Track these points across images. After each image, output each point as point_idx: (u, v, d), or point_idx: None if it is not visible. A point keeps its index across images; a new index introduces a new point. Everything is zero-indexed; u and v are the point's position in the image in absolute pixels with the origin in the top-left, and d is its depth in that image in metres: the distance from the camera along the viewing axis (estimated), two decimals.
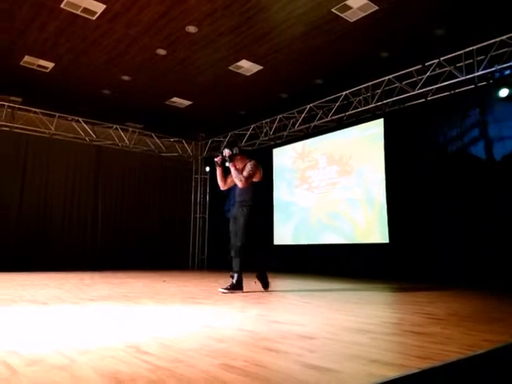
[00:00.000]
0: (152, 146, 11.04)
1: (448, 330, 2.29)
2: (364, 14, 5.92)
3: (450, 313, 3.03)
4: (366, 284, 5.73)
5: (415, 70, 7.12)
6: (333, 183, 8.76)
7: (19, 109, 8.98)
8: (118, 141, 10.42)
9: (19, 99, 8.87)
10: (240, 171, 4.38)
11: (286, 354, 1.74)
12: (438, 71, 6.89)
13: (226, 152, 4.35)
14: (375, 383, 1.27)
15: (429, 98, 7.19)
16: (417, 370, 1.41)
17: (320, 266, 8.42)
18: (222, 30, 6.29)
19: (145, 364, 1.54)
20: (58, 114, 9.37)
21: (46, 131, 9.39)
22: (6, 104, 8.74)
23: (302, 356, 1.68)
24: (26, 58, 7.13)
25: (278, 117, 9.48)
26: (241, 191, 4.37)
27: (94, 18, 5.92)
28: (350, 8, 5.80)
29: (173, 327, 2.37)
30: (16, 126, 8.99)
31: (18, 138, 9.14)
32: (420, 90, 7.10)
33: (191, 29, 6.23)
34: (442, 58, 6.74)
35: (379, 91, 7.65)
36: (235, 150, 4.38)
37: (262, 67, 7.47)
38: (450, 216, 6.66)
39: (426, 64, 6.93)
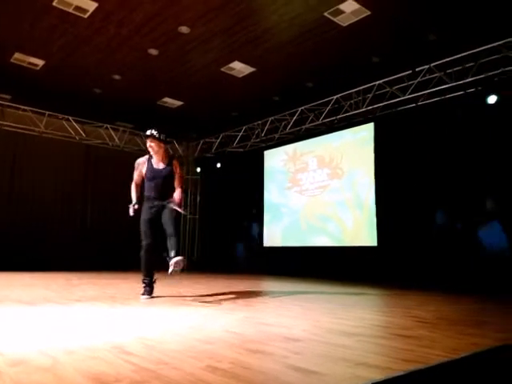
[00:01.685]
0: (143, 146, 10.94)
1: (435, 334, 2.30)
2: (356, 19, 5.96)
3: (438, 316, 3.05)
4: (355, 287, 5.75)
5: (406, 76, 7.19)
6: (323, 186, 8.79)
7: (9, 106, 8.89)
8: (108, 140, 10.35)
9: (9, 96, 8.77)
10: (165, 162, 4.18)
11: (272, 355, 1.74)
12: (428, 77, 6.97)
13: (154, 132, 4.10)
14: None
15: (419, 103, 7.26)
16: (401, 373, 1.42)
17: (309, 268, 8.45)
18: (214, 31, 6.28)
19: (129, 365, 1.53)
20: (48, 113, 9.28)
21: (36, 129, 9.29)
22: None
23: (287, 358, 1.68)
24: (16, 55, 7.05)
25: (270, 119, 9.50)
26: (167, 189, 4.14)
27: (86, 16, 5.88)
28: (342, 12, 5.83)
29: (159, 328, 2.36)
30: (5, 123, 8.89)
31: (8, 135, 9.03)
32: (411, 95, 7.17)
33: (184, 29, 6.22)
34: (432, 64, 6.81)
35: (370, 95, 7.70)
36: (162, 137, 4.15)
37: (254, 69, 7.48)
38: (438, 219, 6.72)
39: (417, 69, 6.99)
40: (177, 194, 4.08)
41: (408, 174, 7.24)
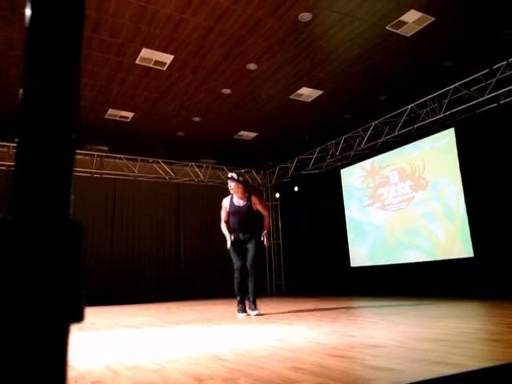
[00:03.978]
0: (224, 179, 11.59)
1: None
2: (421, 27, 5.91)
3: None
4: (449, 300, 5.47)
5: (482, 75, 6.88)
6: (408, 199, 8.53)
7: (106, 156, 10.03)
8: (194, 177, 11.13)
9: (106, 148, 9.92)
10: (244, 199, 4.73)
11: (352, 358, 1.85)
12: (508, 73, 6.59)
13: (234, 174, 4.75)
14: (428, 379, 1.34)
15: (501, 102, 6.86)
16: (472, 369, 1.45)
17: (400, 286, 8.15)
18: (280, 63, 6.63)
19: (222, 368, 1.74)
20: (140, 158, 10.29)
21: (131, 174, 10.33)
22: (96, 153, 9.81)
23: (366, 360, 1.77)
24: (110, 111, 8.03)
25: (343, 137, 9.54)
26: (248, 222, 4.68)
27: (165, 68, 6.57)
28: (405, 23, 5.83)
29: (249, 341, 2.56)
30: (105, 171, 10.02)
31: (107, 182, 10.16)
32: (490, 95, 6.81)
33: (251, 66, 6.65)
34: (510, 59, 6.45)
35: (446, 100, 7.45)
36: (241, 177, 4.80)
37: (322, 92, 7.66)
38: None
39: (494, 67, 6.67)
40: (265, 220, 4.83)
41: (499, 176, 6.78)
